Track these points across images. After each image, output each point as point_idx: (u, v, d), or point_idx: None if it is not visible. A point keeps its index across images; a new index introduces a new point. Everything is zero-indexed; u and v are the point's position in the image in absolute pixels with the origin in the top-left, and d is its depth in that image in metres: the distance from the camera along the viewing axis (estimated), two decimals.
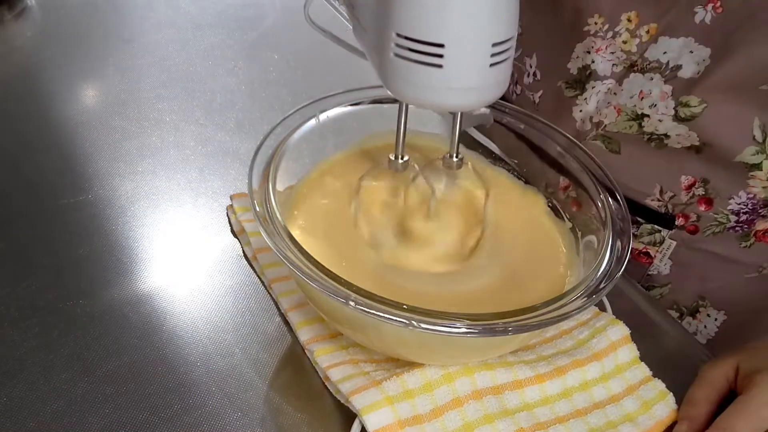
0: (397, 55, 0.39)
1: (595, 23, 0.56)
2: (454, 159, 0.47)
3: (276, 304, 0.53)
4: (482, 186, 0.50)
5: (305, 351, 0.49)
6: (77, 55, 0.78)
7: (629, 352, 0.51)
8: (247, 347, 0.50)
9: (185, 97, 0.74)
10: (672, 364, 0.52)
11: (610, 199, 0.49)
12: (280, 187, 0.47)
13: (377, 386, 0.45)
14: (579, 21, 0.57)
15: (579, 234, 0.51)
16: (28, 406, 0.45)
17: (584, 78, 0.58)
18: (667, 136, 0.56)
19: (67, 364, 0.47)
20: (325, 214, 0.50)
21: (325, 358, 0.48)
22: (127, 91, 0.73)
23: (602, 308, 0.54)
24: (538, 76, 0.63)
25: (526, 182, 0.55)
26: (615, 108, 0.57)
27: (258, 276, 0.55)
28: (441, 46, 0.37)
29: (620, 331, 0.51)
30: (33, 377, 0.46)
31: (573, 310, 0.40)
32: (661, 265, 0.63)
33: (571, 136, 0.53)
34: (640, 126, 0.57)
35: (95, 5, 0.88)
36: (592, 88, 0.58)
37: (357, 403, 0.44)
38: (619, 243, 0.45)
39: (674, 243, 0.61)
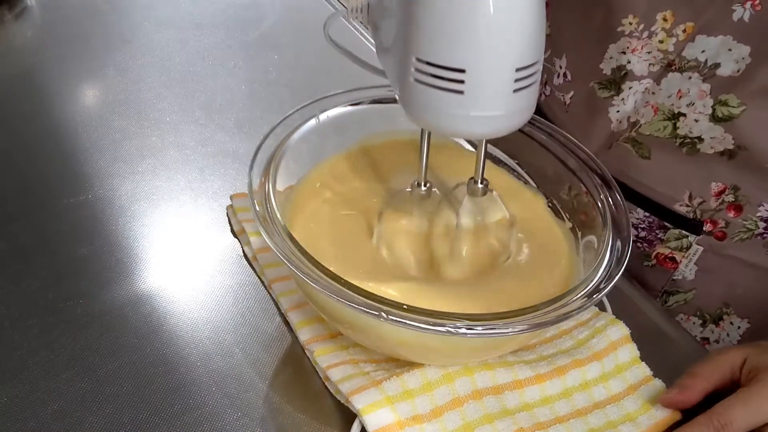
0: (417, 80, 0.38)
1: (630, 23, 0.55)
2: (479, 186, 0.46)
3: (276, 304, 0.53)
4: (507, 213, 0.48)
5: (305, 351, 0.50)
6: (77, 55, 0.78)
7: (629, 351, 0.51)
8: (247, 347, 0.50)
9: (185, 97, 0.73)
10: (672, 365, 0.52)
11: (610, 199, 0.49)
12: (280, 187, 0.47)
13: (377, 386, 0.45)
14: (612, 21, 0.57)
15: (579, 234, 0.51)
16: (28, 406, 0.45)
17: (619, 78, 0.58)
18: (700, 139, 0.56)
19: (67, 364, 0.47)
20: (325, 213, 0.50)
21: (325, 358, 0.48)
22: (127, 91, 0.73)
23: (602, 308, 0.54)
24: (569, 77, 0.63)
25: (526, 182, 0.55)
26: (653, 107, 0.57)
27: (258, 276, 0.55)
28: (462, 71, 0.36)
29: (620, 330, 0.51)
30: (33, 377, 0.46)
31: (573, 310, 0.41)
32: (687, 270, 0.63)
33: (573, 138, 0.53)
34: (675, 127, 0.56)
35: (95, 5, 0.88)
36: (629, 88, 0.58)
37: (357, 403, 0.44)
38: (619, 243, 0.45)
39: (701, 249, 0.61)
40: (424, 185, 0.47)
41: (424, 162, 0.46)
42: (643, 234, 0.63)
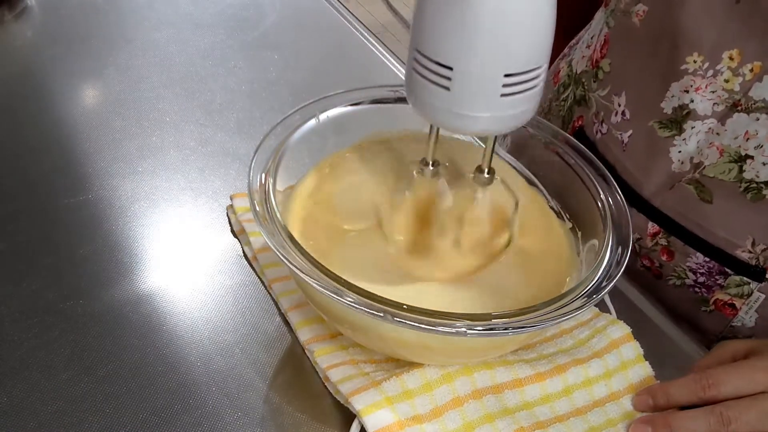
0: (415, 70, 0.39)
1: (694, 61, 0.53)
2: (486, 175, 0.46)
3: (276, 304, 0.53)
4: (512, 200, 0.48)
5: (305, 351, 0.50)
6: (77, 55, 0.78)
7: (633, 349, 0.51)
8: (247, 347, 0.50)
9: (185, 97, 0.73)
10: (673, 365, 0.52)
11: (610, 199, 0.49)
12: (280, 187, 0.47)
13: (377, 387, 0.45)
14: (675, 59, 0.55)
15: (579, 234, 0.51)
16: (28, 406, 0.45)
17: (680, 118, 0.56)
18: (767, 185, 0.53)
19: (67, 364, 0.47)
20: (325, 213, 0.50)
21: (325, 358, 0.48)
22: (127, 91, 0.73)
23: (605, 310, 0.54)
24: (627, 116, 0.60)
25: (529, 181, 0.55)
26: (717, 148, 0.54)
27: (258, 276, 0.55)
28: (449, 68, 0.37)
29: (621, 329, 0.52)
30: (33, 377, 0.46)
31: (573, 310, 0.41)
32: (747, 317, 0.60)
33: (573, 138, 0.53)
34: (741, 170, 0.54)
35: (95, 5, 0.88)
36: (692, 128, 0.55)
37: (357, 403, 0.44)
38: (619, 244, 0.45)
39: (763, 296, 0.58)
40: (432, 165, 0.47)
41: (433, 140, 0.45)
42: (702, 279, 0.60)
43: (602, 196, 0.49)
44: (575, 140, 0.52)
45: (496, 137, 0.44)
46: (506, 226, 0.48)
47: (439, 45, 0.37)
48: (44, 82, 0.74)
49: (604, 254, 0.45)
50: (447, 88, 0.37)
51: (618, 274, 0.43)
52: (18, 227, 0.57)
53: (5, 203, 0.59)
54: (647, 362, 0.51)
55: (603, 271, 0.44)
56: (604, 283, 0.43)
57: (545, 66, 0.39)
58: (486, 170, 0.46)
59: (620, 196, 0.48)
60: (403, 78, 0.41)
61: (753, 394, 0.45)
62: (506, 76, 0.37)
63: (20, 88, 0.73)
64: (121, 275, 0.54)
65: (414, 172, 0.47)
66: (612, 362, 0.50)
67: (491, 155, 0.45)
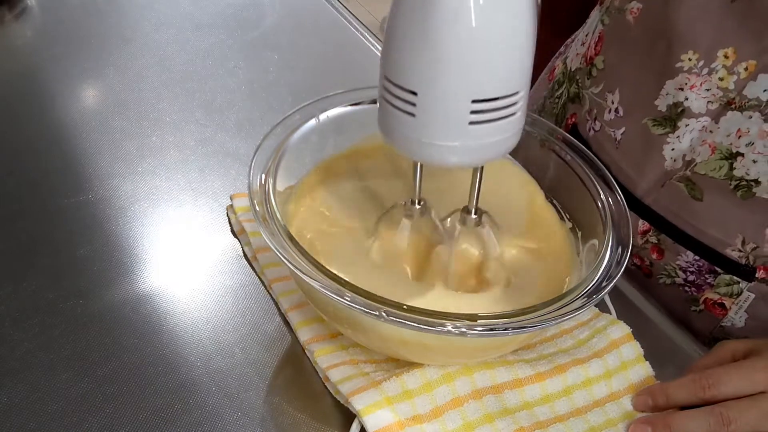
0: (383, 98, 0.37)
1: (689, 59, 0.53)
2: (473, 216, 0.45)
3: (276, 304, 0.53)
4: (498, 249, 0.47)
5: (305, 351, 0.50)
6: (77, 55, 0.78)
7: (633, 349, 0.51)
8: (247, 347, 0.50)
9: (185, 97, 0.73)
10: (673, 365, 0.52)
11: (610, 199, 0.49)
12: (280, 187, 0.47)
13: (377, 387, 0.45)
14: (670, 57, 0.55)
15: (579, 234, 0.51)
16: (28, 406, 0.45)
17: (675, 115, 0.56)
18: (757, 182, 0.53)
19: (67, 364, 0.47)
20: (325, 213, 0.50)
21: (325, 358, 0.48)
22: (127, 91, 0.73)
23: (606, 311, 0.54)
24: (621, 113, 0.60)
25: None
26: (710, 146, 0.54)
27: (258, 276, 0.55)
28: (414, 93, 0.35)
29: (621, 329, 0.51)
30: (33, 377, 0.46)
31: (573, 311, 0.41)
32: (736, 317, 0.60)
33: (573, 138, 0.53)
34: (731, 168, 0.54)
35: (95, 5, 0.88)
36: (686, 125, 0.55)
37: (357, 404, 0.44)
38: (619, 244, 0.45)
39: (752, 296, 0.58)
40: (419, 203, 0.46)
41: (418, 179, 0.44)
42: (691, 278, 0.60)
43: (602, 196, 0.49)
44: (573, 139, 0.52)
45: (481, 173, 0.42)
46: (493, 275, 0.48)
47: (403, 69, 0.35)
48: (44, 82, 0.74)
49: (604, 254, 0.45)
50: (412, 114, 0.36)
51: (618, 274, 0.43)
52: (18, 227, 0.57)
53: (5, 203, 0.59)
54: (647, 362, 0.51)
55: (603, 271, 0.44)
56: (604, 283, 0.43)
57: (523, 92, 0.37)
58: (473, 211, 0.45)
59: (620, 196, 0.48)
60: None
61: (753, 394, 0.45)
62: (474, 102, 0.35)
63: (20, 88, 0.73)
64: (121, 275, 0.54)
65: (403, 218, 0.46)
66: (612, 362, 0.50)
67: (477, 193, 0.43)
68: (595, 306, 0.54)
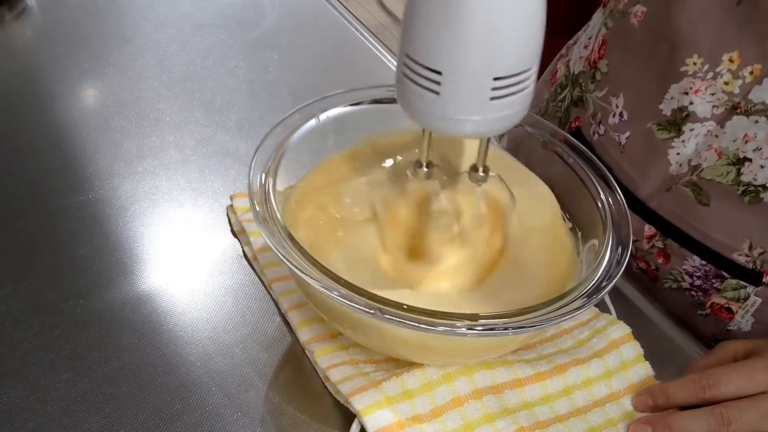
0: (405, 74, 0.39)
1: (694, 63, 0.53)
2: (481, 173, 0.46)
3: (276, 304, 0.53)
4: (510, 195, 0.48)
5: (305, 351, 0.50)
6: (77, 55, 0.78)
7: (633, 349, 0.51)
8: (247, 347, 0.50)
9: (185, 97, 0.73)
10: (673, 365, 0.52)
11: (610, 199, 0.49)
12: (280, 187, 0.47)
13: (377, 387, 0.45)
14: (675, 61, 0.54)
15: (579, 234, 0.51)
16: (28, 406, 0.45)
17: (679, 120, 0.55)
18: (765, 188, 0.53)
19: (67, 364, 0.47)
20: (325, 213, 0.50)
21: (325, 358, 0.48)
22: (127, 91, 0.73)
23: (606, 311, 0.54)
24: (625, 117, 0.60)
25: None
26: (716, 151, 0.54)
27: (258, 276, 0.55)
28: (439, 73, 0.37)
29: (621, 329, 0.51)
30: (33, 377, 0.46)
31: (573, 310, 0.41)
32: (743, 321, 0.60)
33: (573, 138, 0.53)
34: (738, 173, 0.54)
35: (95, 5, 0.88)
36: (690, 130, 0.55)
37: (357, 404, 0.44)
38: (619, 244, 0.45)
39: (759, 300, 0.58)
40: (426, 166, 0.47)
41: (426, 142, 0.45)
42: (698, 282, 0.60)
43: (602, 196, 0.49)
44: (574, 139, 0.52)
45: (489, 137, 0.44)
46: (503, 223, 0.48)
47: (428, 49, 0.37)
48: (44, 82, 0.74)
49: (604, 254, 0.45)
50: (436, 93, 0.37)
51: (618, 274, 0.43)
52: (18, 227, 0.57)
53: (5, 203, 0.59)
54: (647, 362, 0.51)
55: (603, 271, 0.44)
56: (604, 283, 0.43)
57: (535, 68, 0.38)
58: (481, 168, 0.46)
59: (620, 196, 0.48)
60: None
61: (753, 394, 0.45)
62: (495, 79, 0.37)
63: (20, 88, 0.73)
64: (121, 275, 0.54)
65: (408, 173, 0.47)
66: (612, 362, 0.50)
67: (485, 153, 0.45)
68: (595, 306, 0.54)
